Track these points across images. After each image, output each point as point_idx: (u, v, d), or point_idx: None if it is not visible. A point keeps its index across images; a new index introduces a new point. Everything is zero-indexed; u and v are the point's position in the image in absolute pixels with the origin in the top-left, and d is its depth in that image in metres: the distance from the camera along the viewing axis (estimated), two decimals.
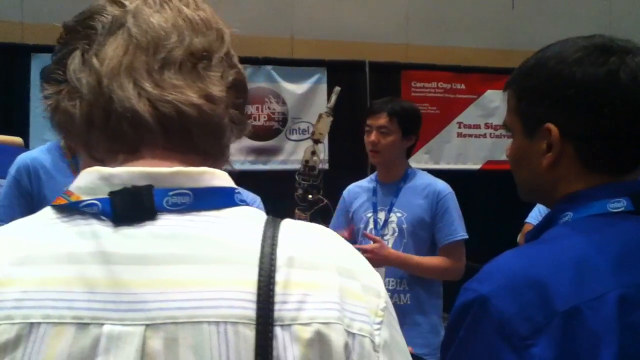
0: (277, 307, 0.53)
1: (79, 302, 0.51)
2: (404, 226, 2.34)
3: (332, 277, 0.56)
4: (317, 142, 2.59)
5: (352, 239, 2.49)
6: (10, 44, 3.94)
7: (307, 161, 2.54)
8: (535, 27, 4.75)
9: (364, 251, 2.20)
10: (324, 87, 4.40)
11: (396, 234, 2.36)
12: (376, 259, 2.24)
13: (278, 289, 0.53)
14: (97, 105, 0.57)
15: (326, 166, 3.88)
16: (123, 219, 0.54)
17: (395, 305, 2.13)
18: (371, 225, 2.41)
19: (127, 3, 0.61)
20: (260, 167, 4.33)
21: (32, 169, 2.04)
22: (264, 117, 4.35)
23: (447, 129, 4.69)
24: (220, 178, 0.59)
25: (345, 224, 2.52)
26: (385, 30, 4.58)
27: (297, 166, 3.14)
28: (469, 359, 0.74)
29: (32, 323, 0.50)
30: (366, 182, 2.55)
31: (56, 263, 0.53)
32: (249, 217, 0.59)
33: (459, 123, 4.73)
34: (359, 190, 2.53)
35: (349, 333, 0.54)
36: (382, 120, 2.36)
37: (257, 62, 4.29)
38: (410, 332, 2.27)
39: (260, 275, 0.53)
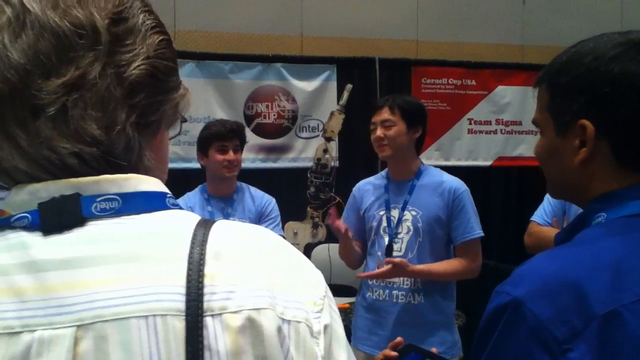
0: (206, 297, 0.53)
1: (9, 312, 0.52)
2: (420, 224, 2.32)
3: (262, 270, 0.57)
4: (329, 139, 2.58)
5: (363, 239, 2.49)
6: None
7: (319, 159, 2.54)
8: (546, 22, 4.72)
9: (386, 272, 2.23)
10: (333, 84, 4.38)
11: (411, 232, 2.34)
12: (398, 276, 2.28)
13: (207, 281, 0.54)
14: None
15: (337, 164, 3.87)
16: (52, 228, 0.55)
17: (409, 304, 2.15)
18: (384, 224, 2.39)
19: None
20: (270, 165, 4.32)
21: None
22: (274, 115, 4.34)
23: (457, 125, 4.66)
24: (148, 183, 0.60)
25: (356, 221, 2.51)
26: (395, 26, 4.56)
27: (308, 164, 3.14)
28: None
29: None
30: (376, 179, 2.52)
31: None
32: (180, 219, 0.60)
33: (470, 119, 4.69)
34: (369, 187, 2.50)
35: (282, 320, 0.56)
36: (385, 114, 2.36)
37: (266, 59, 4.28)
38: (425, 330, 2.29)
39: (189, 269, 0.54)
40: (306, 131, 4.39)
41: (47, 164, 0.56)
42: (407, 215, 2.35)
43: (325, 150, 2.63)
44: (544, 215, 2.39)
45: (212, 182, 2.66)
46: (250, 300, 0.55)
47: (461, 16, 4.67)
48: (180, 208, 0.62)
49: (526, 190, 4.63)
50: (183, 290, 0.53)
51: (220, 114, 4.02)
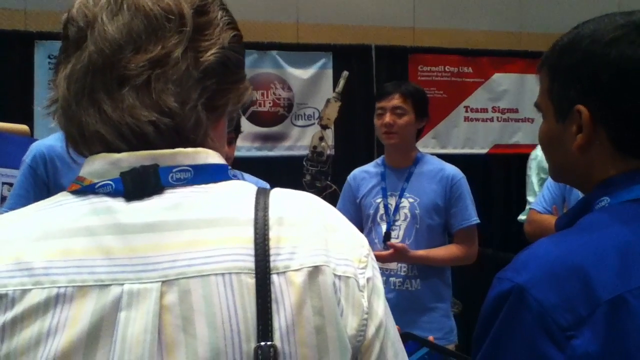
0: (272, 258, 0.61)
1: (99, 268, 0.58)
2: (417, 212, 2.33)
3: (318, 231, 0.65)
4: (325, 127, 2.57)
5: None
6: (13, 31, 3.92)
7: (315, 147, 2.53)
8: (543, 9, 4.69)
9: (387, 256, 2.25)
10: (329, 72, 4.36)
11: (408, 219, 2.34)
12: (398, 260, 2.29)
13: (272, 243, 0.62)
14: (72, 125, 0.66)
15: (333, 152, 3.85)
16: (134, 195, 0.62)
17: (406, 291, 2.15)
18: (382, 211, 2.39)
19: (87, 12, 0.65)
20: (266, 153, 4.30)
21: (48, 157, 1.97)
22: (270, 103, 4.32)
23: (454, 113, 4.64)
24: (214, 157, 0.68)
25: (352, 209, 2.49)
26: (391, 13, 4.52)
27: (304, 152, 3.12)
28: (506, 352, 0.70)
29: (59, 287, 0.57)
30: (372, 167, 2.51)
31: (76, 236, 0.60)
32: (243, 188, 0.68)
33: (467, 107, 4.67)
34: (365, 175, 2.49)
35: (335, 275, 0.63)
36: (396, 100, 2.34)
37: (262, 47, 4.24)
38: (423, 316, 2.30)
39: (255, 233, 0.62)
40: (302, 119, 4.37)
41: (126, 131, 0.63)
42: (405, 203, 2.36)
43: (322, 138, 2.61)
44: (544, 203, 2.37)
45: None
46: (309, 258, 0.62)
47: (458, 3, 4.64)
48: (239, 179, 0.69)
49: (523, 178, 4.61)
50: (252, 252, 0.61)
51: None
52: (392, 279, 2.32)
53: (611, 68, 0.77)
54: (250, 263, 0.60)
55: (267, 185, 2.64)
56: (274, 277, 0.60)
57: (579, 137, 0.81)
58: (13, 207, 1.91)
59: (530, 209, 2.47)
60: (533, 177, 3.66)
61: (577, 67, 0.80)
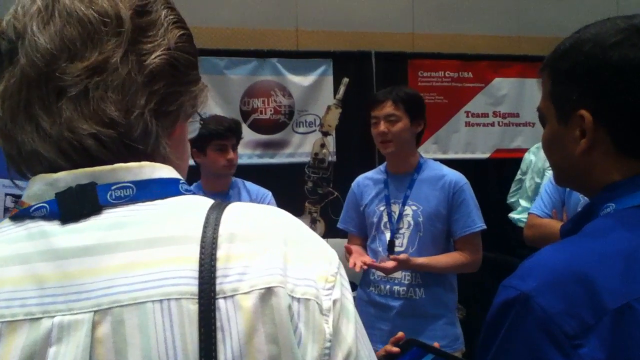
0: (218, 280, 0.55)
1: (30, 299, 0.54)
2: (420, 219, 2.31)
3: (276, 246, 0.59)
4: (326, 134, 2.57)
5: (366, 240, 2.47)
6: None
7: (316, 154, 2.53)
8: (542, 13, 4.70)
9: (390, 269, 2.24)
10: (330, 78, 4.35)
11: (412, 227, 2.32)
12: (403, 268, 2.28)
13: (219, 264, 0.56)
14: (9, 145, 0.62)
15: (335, 158, 3.85)
16: (70, 216, 0.58)
17: (410, 299, 2.15)
18: (385, 219, 2.38)
19: (17, 24, 0.61)
20: (267, 160, 4.29)
21: None
22: (271, 111, 4.32)
23: (455, 118, 4.64)
24: (162, 170, 0.63)
25: (357, 217, 2.49)
26: (391, 19, 4.53)
27: (305, 159, 3.12)
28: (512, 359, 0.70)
29: None
30: (375, 174, 2.50)
31: (7, 265, 0.56)
32: (193, 203, 0.62)
33: (467, 112, 4.67)
34: (369, 182, 2.48)
35: (292, 297, 0.57)
36: (389, 108, 2.32)
37: (262, 54, 4.25)
38: (427, 325, 2.29)
39: (201, 252, 0.56)
40: (303, 126, 4.37)
41: (66, 147, 0.59)
42: (408, 210, 2.34)
43: (323, 145, 2.62)
44: (543, 207, 2.37)
45: (207, 179, 2.65)
46: (261, 279, 0.56)
47: (457, 8, 4.65)
48: (194, 193, 0.64)
49: None
50: (196, 274, 0.55)
51: (216, 110, 3.99)
52: (396, 288, 2.32)
53: (613, 70, 0.77)
54: (193, 287, 0.54)
55: (269, 193, 2.67)
56: (220, 302, 0.54)
57: (583, 141, 0.81)
58: None
59: (529, 213, 2.47)
60: (527, 182, 3.68)
61: (579, 70, 0.81)
